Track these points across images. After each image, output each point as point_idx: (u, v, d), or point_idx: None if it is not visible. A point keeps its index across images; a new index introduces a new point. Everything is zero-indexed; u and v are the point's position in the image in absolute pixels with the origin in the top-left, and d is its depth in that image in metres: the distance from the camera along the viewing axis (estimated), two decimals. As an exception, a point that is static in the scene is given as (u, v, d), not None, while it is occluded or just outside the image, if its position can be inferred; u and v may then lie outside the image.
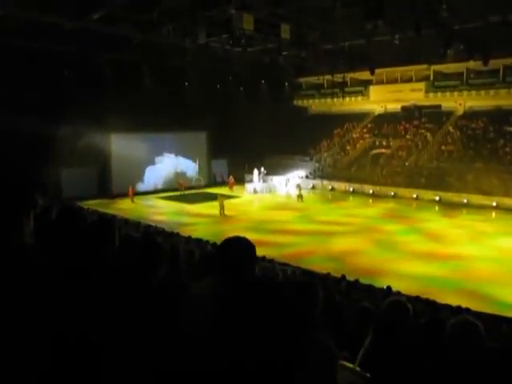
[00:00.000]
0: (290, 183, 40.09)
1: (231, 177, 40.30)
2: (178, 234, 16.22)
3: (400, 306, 2.76)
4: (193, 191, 38.55)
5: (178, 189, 38.40)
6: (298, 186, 33.94)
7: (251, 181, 39.39)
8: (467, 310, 7.56)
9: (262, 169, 40.26)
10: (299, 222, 25.34)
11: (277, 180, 41.30)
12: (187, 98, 39.60)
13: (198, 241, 13.83)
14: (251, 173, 39.87)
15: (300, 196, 32.60)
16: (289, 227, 23.94)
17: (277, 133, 44.39)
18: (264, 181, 40.30)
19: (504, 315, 9.61)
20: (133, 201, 34.45)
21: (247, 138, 40.49)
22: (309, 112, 51.37)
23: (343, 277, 11.64)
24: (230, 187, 39.29)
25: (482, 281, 14.64)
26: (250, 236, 2.33)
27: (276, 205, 32.06)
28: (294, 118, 48.24)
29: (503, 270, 16.00)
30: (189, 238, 14.87)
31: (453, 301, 10.81)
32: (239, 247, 2.20)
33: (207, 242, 13.38)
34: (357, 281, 11.27)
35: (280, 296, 1.82)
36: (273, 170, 41.93)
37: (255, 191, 38.31)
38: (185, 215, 28.21)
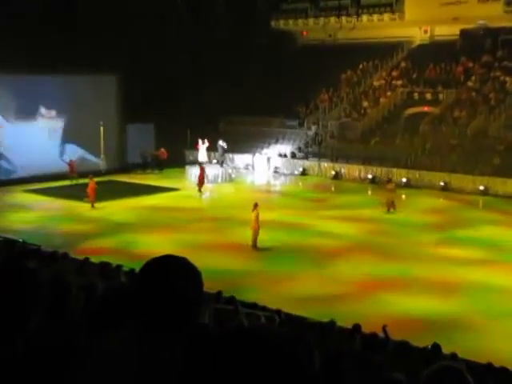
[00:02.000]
0: (271, 165, 40.38)
1: (162, 149, 40.64)
2: (65, 255, 16.33)
3: (455, 379, 2.72)
4: (95, 179, 36.40)
5: (66, 175, 37.62)
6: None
7: (198, 161, 39.16)
8: None
9: (221, 141, 40.66)
10: (277, 233, 24.92)
11: (243, 160, 41.57)
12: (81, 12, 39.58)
13: (103, 266, 13.68)
14: (198, 147, 40.09)
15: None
16: (264, 240, 23.41)
17: (242, 78, 43.82)
18: (222, 161, 41.04)
19: None
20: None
21: (190, 85, 40.82)
22: (298, 41, 52.12)
23: (357, 328, 11.07)
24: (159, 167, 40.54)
25: None
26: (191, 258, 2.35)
27: (240, 203, 30.53)
28: (273, 53, 47.90)
29: None
30: (85, 263, 15.09)
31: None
32: (175, 273, 2.18)
33: (119, 267, 13.77)
34: (386, 336, 10.91)
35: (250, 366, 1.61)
36: (236, 142, 41.66)
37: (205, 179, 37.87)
38: (78, 221, 28.20)
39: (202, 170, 34.54)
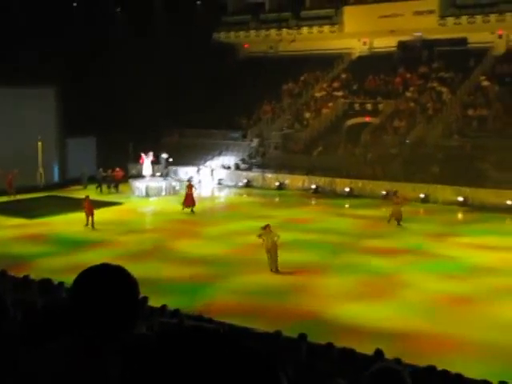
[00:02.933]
0: (214, 177, 40.39)
1: (117, 169, 39.65)
2: (3, 272, 15.59)
3: (391, 380, 2.67)
4: (33, 194, 36.53)
5: (6, 191, 36.78)
6: None
7: (142, 174, 38.52)
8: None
9: (164, 154, 40.26)
10: (220, 246, 24.86)
11: (187, 172, 41.19)
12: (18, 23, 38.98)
13: (44, 283, 11.31)
14: (142, 161, 38.85)
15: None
16: (204, 253, 23.61)
17: (185, 91, 43.59)
18: (165, 174, 40.35)
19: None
20: None
21: (133, 99, 40.23)
22: (240, 54, 52.06)
23: (303, 337, 11.35)
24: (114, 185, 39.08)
25: None
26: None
27: (181, 217, 31.25)
28: (215, 65, 48.00)
29: None
30: (25, 280, 14.42)
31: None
32: (110, 283, 2.13)
33: (61, 284, 12.49)
34: (329, 344, 10.83)
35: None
36: (180, 154, 41.55)
37: (148, 193, 37.16)
38: (16, 240, 27.15)
39: (191, 188, 32.35)
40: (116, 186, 38.20)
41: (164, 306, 13.13)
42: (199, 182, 39.94)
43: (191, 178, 38.03)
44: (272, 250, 20.69)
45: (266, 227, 21.06)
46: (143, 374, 1.73)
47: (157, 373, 1.66)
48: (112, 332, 2.13)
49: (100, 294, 2.13)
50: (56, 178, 41.15)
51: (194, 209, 31.61)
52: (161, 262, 21.96)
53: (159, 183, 37.76)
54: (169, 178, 39.31)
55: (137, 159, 39.36)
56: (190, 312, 13.44)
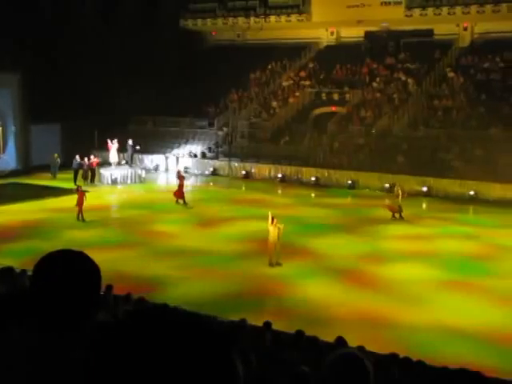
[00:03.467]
0: (180, 165, 39.86)
1: (93, 157, 37.84)
2: None
3: (352, 366, 2.70)
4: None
5: None
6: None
7: (108, 162, 38.28)
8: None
9: (130, 142, 39.79)
10: (189, 236, 24.55)
11: (153, 160, 41.25)
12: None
13: (4, 271, 13.03)
14: (109, 148, 38.29)
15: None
16: (178, 243, 23.31)
17: (152, 78, 42.89)
18: (131, 162, 40.04)
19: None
20: None
21: (98, 85, 39.64)
22: (207, 42, 52.03)
23: (267, 324, 11.64)
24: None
25: None
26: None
27: (150, 204, 30.96)
28: (181, 53, 47.63)
29: None
30: None
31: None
32: (69, 269, 2.08)
33: (24, 271, 13.13)
34: (297, 332, 10.92)
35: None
36: (146, 142, 41.43)
37: (114, 180, 36.77)
38: None
39: (183, 179, 31.17)
40: (93, 175, 36.93)
41: (129, 295, 13.06)
42: (165, 170, 39.63)
43: (185, 168, 37.91)
44: (278, 243, 20.27)
45: (273, 219, 20.26)
46: (105, 358, 1.65)
47: (117, 354, 1.59)
48: (73, 319, 2.10)
49: (60, 280, 2.09)
50: (16, 164, 40.24)
51: (186, 200, 30.06)
52: (126, 251, 21.69)
53: (125, 171, 37.25)
54: (134, 166, 38.82)
55: (102, 147, 38.91)
56: (156, 301, 13.28)
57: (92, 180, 36.08)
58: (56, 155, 38.07)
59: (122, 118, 41.34)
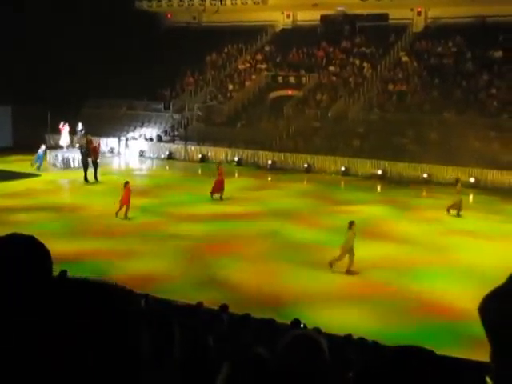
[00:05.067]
0: (131, 148, 39.91)
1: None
2: None
3: (306, 346, 2.73)
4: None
5: None
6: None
7: (59, 145, 37.25)
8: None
9: (80, 124, 38.57)
10: (146, 217, 24.40)
11: (107, 143, 40.32)
12: None
13: None
14: (61, 130, 37.38)
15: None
16: (124, 225, 23.09)
17: (107, 60, 42.52)
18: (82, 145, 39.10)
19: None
20: None
21: (51, 67, 39.18)
22: (163, 24, 51.67)
23: (224, 307, 11.76)
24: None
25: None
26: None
27: (102, 188, 30.17)
28: (137, 34, 47.07)
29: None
30: None
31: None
32: (20, 253, 2.01)
33: None
34: (248, 314, 11.07)
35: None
36: (101, 125, 40.38)
37: (66, 164, 35.66)
38: None
39: (222, 172, 27.07)
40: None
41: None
42: (118, 153, 39.22)
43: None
44: (353, 249, 18.00)
45: (352, 224, 17.91)
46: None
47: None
48: (21, 304, 1.97)
49: (8, 265, 2.02)
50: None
51: (222, 195, 26.86)
52: (74, 236, 21.23)
53: (76, 154, 36.20)
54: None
55: (55, 130, 38.08)
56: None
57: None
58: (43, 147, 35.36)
59: (77, 100, 40.64)
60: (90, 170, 30.72)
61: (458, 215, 24.19)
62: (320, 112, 37.85)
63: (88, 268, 16.68)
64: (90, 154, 31.29)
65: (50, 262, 2.10)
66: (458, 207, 24.08)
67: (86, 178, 30.26)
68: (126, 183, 23.54)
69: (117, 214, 23.01)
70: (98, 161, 31.26)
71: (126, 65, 43.21)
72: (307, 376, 2.69)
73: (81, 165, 33.19)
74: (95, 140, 33.87)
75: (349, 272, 17.63)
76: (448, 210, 24.02)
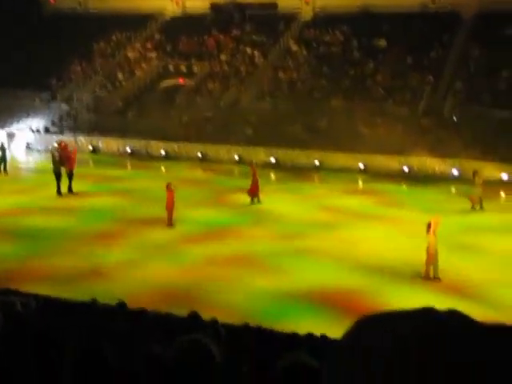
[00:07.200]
0: (14, 141, 38.39)
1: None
2: None
3: (198, 354, 2.63)
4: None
5: None
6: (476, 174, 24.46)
7: None
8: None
9: None
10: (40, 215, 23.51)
11: None
12: None
13: None
14: None
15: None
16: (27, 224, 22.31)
17: None
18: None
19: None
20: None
21: None
22: (46, 9, 50.08)
23: (121, 305, 10.94)
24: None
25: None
26: None
27: None
28: (18, 22, 45.88)
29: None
30: None
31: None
32: None
33: None
34: (141, 310, 10.70)
35: None
36: None
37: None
38: None
39: (256, 174, 24.74)
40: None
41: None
42: (1, 145, 37.23)
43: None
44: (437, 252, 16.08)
45: (430, 226, 15.90)
46: None
47: None
48: None
49: None
50: None
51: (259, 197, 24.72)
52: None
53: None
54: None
55: None
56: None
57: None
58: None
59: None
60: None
61: (481, 208, 23.27)
62: (212, 101, 37.88)
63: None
64: (64, 163, 26.37)
65: None
66: (479, 200, 23.21)
67: (58, 191, 25.70)
68: (168, 185, 20.99)
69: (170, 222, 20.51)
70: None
71: (7, 53, 41.48)
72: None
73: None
74: (70, 145, 29.11)
75: (436, 278, 15.93)
76: (472, 207, 22.92)
